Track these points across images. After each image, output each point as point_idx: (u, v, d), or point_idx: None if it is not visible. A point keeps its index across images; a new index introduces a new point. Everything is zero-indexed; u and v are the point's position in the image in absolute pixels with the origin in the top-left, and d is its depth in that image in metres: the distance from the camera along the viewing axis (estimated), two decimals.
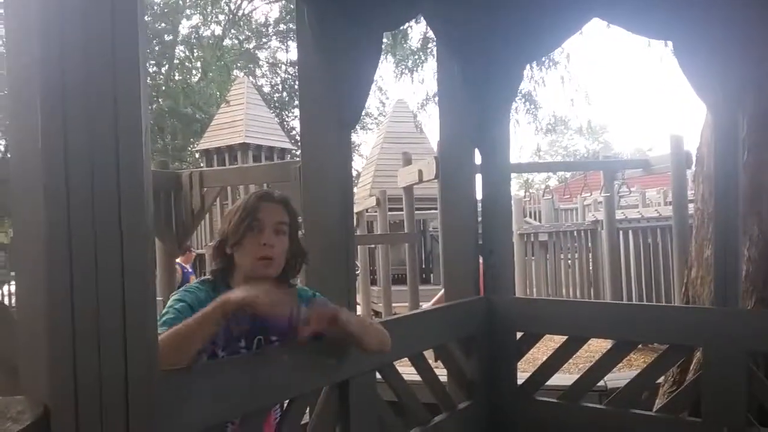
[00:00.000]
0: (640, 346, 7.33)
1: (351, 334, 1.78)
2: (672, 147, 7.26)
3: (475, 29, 2.87)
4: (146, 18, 19.30)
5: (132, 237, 1.27)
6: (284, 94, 24.70)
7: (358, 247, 12.75)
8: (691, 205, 5.88)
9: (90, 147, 1.24)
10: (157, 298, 5.40)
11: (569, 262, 10.41)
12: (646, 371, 2.64)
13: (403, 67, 9.95)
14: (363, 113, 27.01)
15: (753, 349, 2.40)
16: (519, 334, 2.89)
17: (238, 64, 21.74)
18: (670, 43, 2.77)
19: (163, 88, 21.03)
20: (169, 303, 1.76)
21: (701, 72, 2.56)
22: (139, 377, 1.27)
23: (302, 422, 1.97)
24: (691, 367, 3.28)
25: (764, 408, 2.41)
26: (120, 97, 1.26)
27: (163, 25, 21.77)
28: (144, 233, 1.30)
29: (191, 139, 21.42)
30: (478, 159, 3.14)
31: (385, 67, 19.11)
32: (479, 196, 3.13)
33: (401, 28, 8.51)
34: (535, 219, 15.90)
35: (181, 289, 1.87)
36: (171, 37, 22.24)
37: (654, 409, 2.69)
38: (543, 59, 9.14)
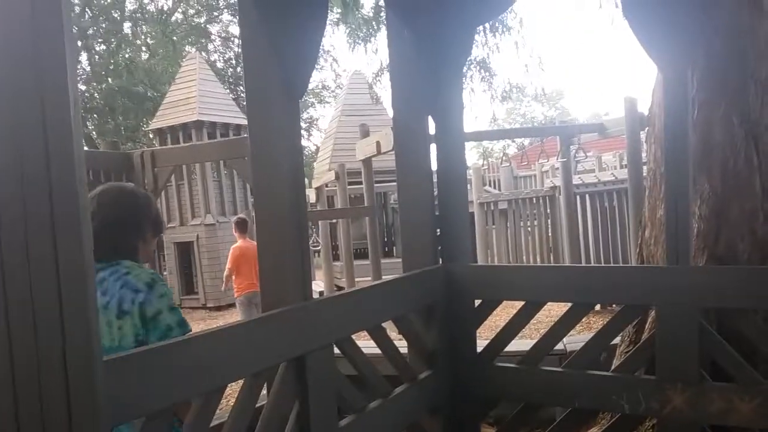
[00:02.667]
0: (598, 308, 7.55)
1: None
2: (626, 110, 7.36)
3: None
4: None
5: (66, 224, 1.20)
6: (238, 69, 24.22)
7: (319, 222, 12.70)
8: (645, 167, 5.97)
9: (14, 129, 1.16)
10: None
11: (529, 228, 10.55)
12: (602, 332, 2.67)
13: (356, 36, 9.80)
14: (320, 86, 26.65)
15: (705, 306, 2.44)
16: (478, 302, 2.89)
17: (189, 40, 21.22)
18: (620, 3, 2.78)
19: (112, 66, 20.39)
20: (170, 295, 2.13)
21: (651, 31, 2.56)
22: (80, 367, 1.22)
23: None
24: (647, 327, 3.35)
25: (716, 363, 2.47)
26: (44, 70, 1.18)
27: (108, 1, 21.03)
28: (78, 218, 1.23)
29: (144, 119, 20.88)
30: (433, 128, 3.10)
31: (339, 37, 18.86)
32: (435, 165, 3.10)
33: None
34: (494, 187, 16.04)
35: (160, 279, 2.17)
36: (118, 14, 21.52)
37: (611, 369, 2.73)
38: (496, 25, 9.11)
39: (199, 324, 11.39)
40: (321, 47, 2.27)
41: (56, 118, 1.21)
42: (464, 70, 9.29)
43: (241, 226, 8.16)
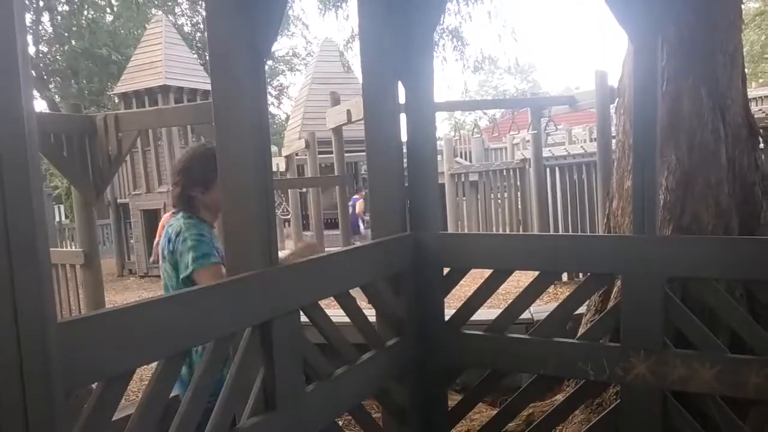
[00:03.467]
0: (565, 279, 7.65)
1: None
2: (596, 82, 7.38)
3: None
4: None
5: (14, 181, 1.14)
6: (206, 33, 23.67)
7: (289, 191, 12.57)
8: (614, 140, 6.01)
9: None
10: (78, 250, 5.13)
11: (499, 200, 10.61)
12: (569, 300, 2.69)
13: (327, 2, 9.62)
14: (290, 53, 26.22)
15: (670, 275, 2.47)
16: (446, 271, 2.89)
17: (156, 2, 20.63)
18: None
19: (74, 28, 19.74)
20: (192, 237, 2.46)
21: (623, 1, 2.54)
22: (33, 330, 1.17)
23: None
24: (612, 296, 3.39)
25: (680, 331, 2.51)
26: None
27: None
28: (27, 175, 1.17)
29: (108, 83, 20.33)
30: (402, 99, 3.05)
31: (310, 2, 18.52)
32: (404, 134, 3.05)
33: None
34: (465, 159, 16.07)
35: (188, 226, 2.51)
36: None
37: (576, 337, 2.76)
38: None
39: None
40: (290, 10, 2.19)
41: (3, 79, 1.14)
42: (436, 39, 9.20)
43: None
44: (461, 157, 16.24)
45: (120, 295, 11.32)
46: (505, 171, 10.37)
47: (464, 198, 11.11)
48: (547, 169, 8.85)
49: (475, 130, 16.01)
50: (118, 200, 15.19)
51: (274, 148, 14.66)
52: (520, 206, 10.07)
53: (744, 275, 2.45)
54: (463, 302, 2.90)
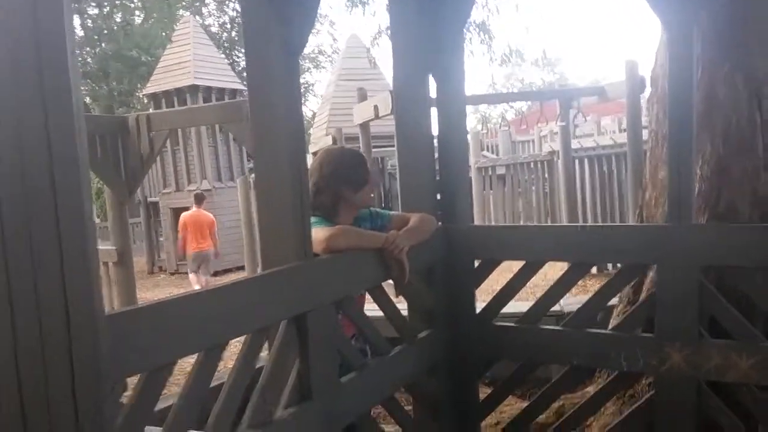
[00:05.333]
0: (594, 271, 7.57)
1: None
2: (627, 73, 7.27)
3: None
4: None
5: (65, 179, 1.18)
6: (233, 33, 23.88)
7: None
8: (644, 131, 5.93)
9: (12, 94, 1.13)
10: (111, 248, 5.26)
11: (527, 194, 10.53)
12: (601, 291, 2.68)
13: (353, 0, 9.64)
14: (316, 51, 26.28)
15: (705, 264, 2.44)
16: (477, 263, 2.89)
17: (183, 3, 20.87)
18: None
19: (105, 31, 20.07)
20: (314, 221, 2.29)
21: None
22: (83, 321, 1.21)
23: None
24: (644, 287, 3.36)
25: (715, 320, 2.48)
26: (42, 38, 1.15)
27: None
28: (78, 172, 1.21)
29: (138, 84, 20.64)
30: (433, 92, 3.06)
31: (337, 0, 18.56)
32: (435, 128, 3.06)
33: None
34: (492, 153, 15.98)
35: (312, 218, 2.32)
36: None
37: (609, 328, 2.75)
38: None
39: (197, 289, 11.44)
40: (319, 4, 2.22)
41: (55, 80, 1.18)
42: (464, 32, 9.14)
43: (199, 199, 9.92)
44: (488, 150, 16.16)
45: (150, 293, 11.51)
46: (532, 164, 10.29)
47: (491, 191, 11.05)
48: (576, 161, 8.76)
49: (502, 123, 15.90)
50: (148, 199, 15.43)
51: None
52: (548, 199, 9.99)
53: None
54: (493, 295, 2.90)
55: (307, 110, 27.73)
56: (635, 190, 6.42)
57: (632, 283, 3.48)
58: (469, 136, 11.73)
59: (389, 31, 3.27)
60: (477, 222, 10.88)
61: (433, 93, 3.05)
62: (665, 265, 2.46)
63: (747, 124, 3.23)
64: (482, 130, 16.75)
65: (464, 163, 3.11)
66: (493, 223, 10.91)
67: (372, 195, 2.67)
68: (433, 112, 3.06)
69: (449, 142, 3.01)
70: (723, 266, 2.50)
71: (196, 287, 9.38)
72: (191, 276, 9.97)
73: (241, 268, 11.11)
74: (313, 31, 2.33)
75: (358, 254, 2.30)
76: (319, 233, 2.22)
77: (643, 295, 3.16)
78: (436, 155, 3.04)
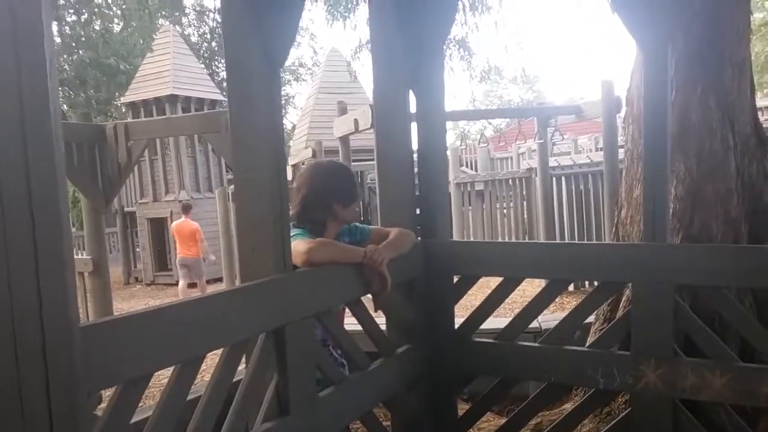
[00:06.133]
0: (572, 289, 7.64)
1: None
2: (603, 92, 7.38)
3: None
4: None
5: (42, 189, 1.17)
6: (213, 43, 23.82)
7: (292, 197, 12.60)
8: (621, 150, 6.02)
9: None
10: (86, 257, 5.16)
11: (505, 210, 10.61)
12: (578, 308, 2.70)
13: (335, 12, 9.69)
14: (297, 63, 26.30)
15: (680, 283, 2.47)
16: (456, 278, 2.90)
17: (163, 12, 20.74)
18: None
19: (83, 38, 19.88)
20: (296, 233, 2.33)
21: (633, 10, 2.56)
22: (57, 332, 1.19)
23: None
24: (621, 305, 3.39)
25: (689, 338, 2.51)
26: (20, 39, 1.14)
27: None
28: (55, 182, 1.20)
29: (116, 93, 20.44)
30: (413, 108, 3.08)
31: (317, 12, 18.63)
32: (414, 143, 3.07)
33: None
34: (471, 168, 16.08)
35: (295, 230, 2.37)
36: None
37: (586, 345, 2.77)
38: (476, 4, 9.08)
39: (173, 300, 11.30)
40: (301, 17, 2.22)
41: (33, 89, 1.17)
42: (444, 48, 9.22)
43: (185, 208, 10.56)
44: (467, 166, 16.26)
45: (126, 303, 11.35)
46: (511, 180, 10.37)
47: (470, 207, 11.11)
48: (554, 179, 8.84)
49: (481, 139, 16.03)
50: (125, 208, 15.26)
51: None
52: (526, 215, 10.06)
53: (753, 284, 2.46)
54: (472, 310, 2.91)
55: (286, 122, 27.69)
56: (611, 208, 6.50)
57: (609, 301, 3.52)
58: (448, 152, 11.82)
59: (369, 45, 3.28)
60: (456, 237, 10.92)
61: (413, 108, 3.07)
62: (640, 283, 2.49)
63: (720, 146, 3.30)
64: (461, 145, 16.86)
65: (443, 178, 3.13)
66: (472, 239, 10.96)
67: (357, 210, 2.67)
68: (413, 126, 3.08)
69: (428, 158, 3.03)
70: (697, 286, 2.54)
71: (182, 295, 9.68)
72: (180, 283, 10.35)
73: (220, 279, 11.02)
74: (293, 43, 2.33)
75: (337, 268, 2.30)
76: (299, 246, 2.21)
77: (619, 313, 3.19)
78: (416, 170, 3.06)
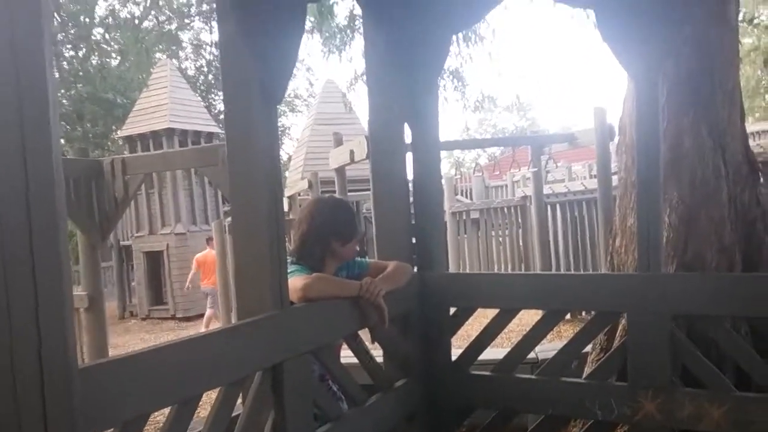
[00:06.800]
0: (568, 317, 7.62)
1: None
2: (596, 120, 7.47)
3: (401, 1, 2.84)
4: (60, 0, 18.30)
5: (43, 232, 1.18)
6: (210, 76, 24.05)
7: (292, 231, 12.62)
8: (614, 177, 6.06)
9: None
10: (82, 293, 5.13)
11: (500, 238, 10.62)
12: (575, 339, 2.70)
13: (331, 45, 9.81)
14: (292, 95, 26.54)
15: (675, 312, 2.48)
16: (453, 310, 2.90)
17: (160, 46, 21.01)
18: (592, 14, 2.82)
19: (81, 72, 20.07)
20: (294, 269, 2.35)
21: (623, 40, 2.60)
22: (57, 375, 1.20)
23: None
24: (617, 335, 3.39)
25: (687, 368, 2.51)
26: (23, 77, 1.16)
27: (78, 6, 20.71)
28: (56, 226, 1.21)
29: (113, 126, 20.56)
30: (408, 138, 3.11)
31: (313, 45, 18.84)
32: (410, 174, 3.10)
33: (328, 3, 8.37)
34: (466, 197, 16.13)
35: (293, 267, 2.38)
36: (87, 19, 21.20)
37: (583, 377, 2.76)
38: (470, 35, 9.21)
39: (168, 335, 11.22)
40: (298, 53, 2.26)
41: (35, 124, 1.19)
42: (438, 80, 9.34)
43: (210, 240, 10.43)
44: (462, 195, 16.32)
45: (120, 338, 11.26)
46: (506, 209, 10.41)
47: (465, 236, 11.12)
48: (548, 206, 8.89)
49: (476, 168, 16.13)
50: (121, 242, 15.22)
51: None
52: (521, 244, 10.08)
53: (749, 312, 2.47)
54: (469, 342, 2.91)
55: (282, 153, 27.85)
56: (606, 236, 6.52)
57: (605, 331, 3.51)
58: (443, 181, 11.88)
59: (365, 78, 3.32)
60: (452, 266, 10.92)
61: (408, 138, 3.10)
62: (636, 313, 2.50)
63: (712, 173, 3.33)
64: (456, 174, 16.94)
65: (439, 208, 3.15)
66: (468, 268, 10.96)
67: (357, 248, 2.69)
68: (409, 157, 3.11)
69: (424, 188, 3.05)
70: (692, 315, 2.54)
71: (212, 323, 10.00)
72: (208, 311, 10.57)
73: None
74: (291, 77, 2.37)
75: (334, 302, 2.30)
76: (296, 282, 2.22)
77: (616, 343, 3.19)
78: (411, 200, 3.08)
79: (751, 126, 12.93)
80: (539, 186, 8.63)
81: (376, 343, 2.74)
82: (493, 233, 10.66)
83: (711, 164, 3.37)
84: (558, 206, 8.97)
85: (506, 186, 16.04)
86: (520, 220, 10.14)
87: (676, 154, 3.40)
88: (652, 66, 2.56)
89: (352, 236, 2.55)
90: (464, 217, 11.13)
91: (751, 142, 7.47)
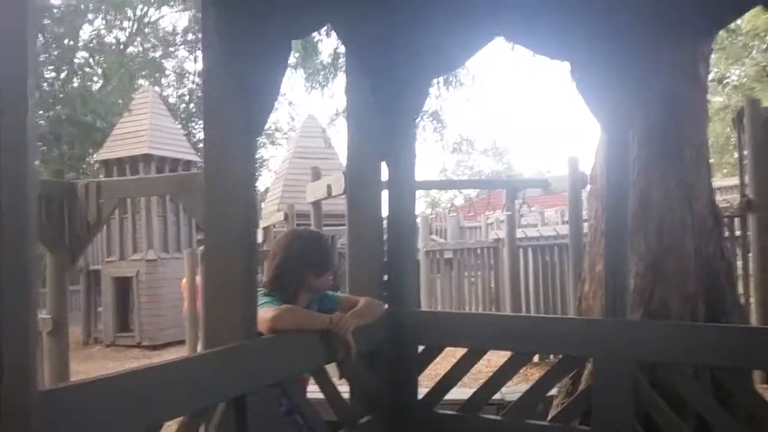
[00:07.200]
0: (537, 360, 7.65)
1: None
2: (569, 168, 7.64)
3: (384, 43, 2.91)
4: (45, 21, 18.29)
5: (12, 251, 1.19)
6: (191, 105, 24.06)
7: (265, 263, 12.54)
8: (586, 224, 6.17)
9: None
10: (47, 316, 5.04)
11: (473, 279, 10.67)
12: (541, 382, 2.72)
13: (314, 81, 9.95)
14: (273, 128, 26.62)
15: (640, 359, 2.52)
16: (421, 348, 2.91)
17: (143, 73, 21.01)
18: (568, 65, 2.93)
19: (61, 94, 19.95)
20: (265, 301, 2.33)
21: (595, 90, 2.69)
22: (16, 396, 1.18)
23: None
24: (582, 379, 3.42)
25: (650, 416, 2.54)
26: (3, 96, 1.18)
27: (63, 29, 20.69)
28: (25, 246, 1.22)
29: (90, 149, 20.38)
30: (385, 175, 3.16)
31: (296, 80, 19.02)
32: (385, 212, 3.14)
33: (313, 40, 8.52)
34: (441, 237, 16.22)
35: (264, 299, 2.36)
36: (71, 42, 21.17)
37: (547, 419, 2.78)
38: (450, 79, 9.41)
39: (132, 363, 10.98)
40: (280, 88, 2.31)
41: (12, 144, 1.20)
42: (417, 121, 9.51)
43: None
44: (436, 234, 16.41)
45: (82, 365, 10.97)
46: (479, 250, 10.49)
47: (439, 275, 11.16)
48: (521, 249, 8.98)
49: (451, 208, 16.27)
50: (90, 266, 14.96)
51: None
52: (493, 285, 10.14)
53: (709, 361, 2.51)
54: (436, 381, 2.91)
55: (260, 185, 27.80)
56: (576, 282, 6.61)
57: (571, 375, 3.54)
58: (418, 220, 11.96)
59: (346, 115, 3.38)
60: (424, 304, 10.91)
61: (385, 176, 3.15)
62: (601, 358, 2.53)
63: (678, 225, 3.43)
64: (431, 214, 17.07)
65: (412, 246, 3.18)
66: (440, 306, 10.96)
67: (331, 279, 2.70)
68: (385, 194, 3.15)
69: (398, 226, 3.08)
70: (656, 362, 2.58)
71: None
72: None
73: (183, 341, 10.78)
74: (273, 111, 2.42)
75: (302, 335, 2.30)
76: (265, 313, 2.22)
77: (581, 387, 3.22)
78: (386, 237, 3.11)
79: (719, 181, 13.27)
80: (512, 229, 8.74)
81: (343, 379, 2.73)
82: (466, 274, 10.72)
83: (678, 216, 3.48)
84: (530, 250, 9.06)
85: (480, 227, 16.18)
86: (492, 261, 10.22)
87: (645, 204, 3.50)
88: (622, 118, 2.64)
89: (325, 269, 2.57)
90: (438, 257, 11.18)
91: (719, 197, 7.69)
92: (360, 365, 2.66)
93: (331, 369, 2.50)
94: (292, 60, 10.14)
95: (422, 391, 2.92)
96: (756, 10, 3.98)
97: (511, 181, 9.98)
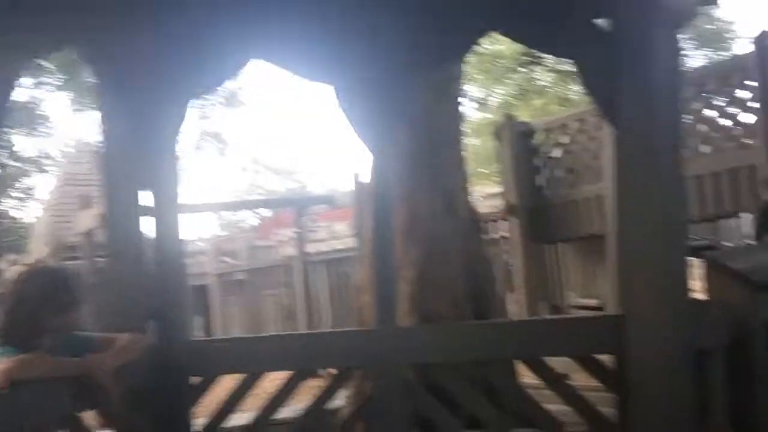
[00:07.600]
0: (323, 372, 7.72)
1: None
2: (355, 183, 7.90)
3: (138, 65, 2.73)
4: None
5: None
6: None
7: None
8: None
9: None
10: None
11: (268, 298, 10.56)
12: (320, 397, 2.71)
13: (82, 101, 9.18)
14: (43, 154, 24.04)
15: (410, 362, 2.62)
16: (194, 380, 2.75)
17: None
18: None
19: None
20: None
21: (357, 111, 2.77)
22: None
23: None
24: (364, 388, 3.49)
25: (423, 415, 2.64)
26: None
27: None
28: None
29: None
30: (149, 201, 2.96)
31: (66, 103, 17.44)
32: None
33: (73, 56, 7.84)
34: (233, 258, 15.85)
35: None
36: None
37: None
38: (232, 100, 9.25)
39: None
40: (41, 110, 2.04)
41: None
42: (199, 142, 9.24)
43: None
44: (228, 256, 15.99)
45: None
46: (272, 268, 10.41)
47: (232, 296, 10.87)
48: (313, 265, 9.07)
49: (244, 229, 16.01)
50: None
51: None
52: (288, 303, 10.11)
53: (472, 357, 2.68)
54: (215, 412, 2.76)
55: (26, 216, 24.97)
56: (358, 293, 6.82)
57: (356, 385, 3.60)
58: (208, 243, 11.56)
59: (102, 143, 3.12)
60: (218, 328, 10.55)
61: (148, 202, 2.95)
62: (374, 367, 2.59)
63: (444, 234, 3.67)
64: (221, 236, 16.62)
65: (182, 273, 3.01)
66: (236, 329, 10.67)
67: (76, 318, 2.41)
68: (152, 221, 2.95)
69: (164, 251, 2.89)
70: (427, 364, 2.70)
71: None
72: None
73: None
74: (38, 133, 2.13)
75: (45, 385, 2.03)
76: (2, 365, 1.92)
77: (360, 396, 3.28)
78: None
79: (487, 189, 14.55)
80: (302, 246, 8.78)
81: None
82: (261, 293, 10.57)
83: (443, 225, 3.71)
84: (325, 264, 9.20)
85: (273, 246, 16.08)
86: (286, 279, 10.19)
87: (414, 216, 3.69)
88: (383, 135, 2.75)
89: (66, 306, 2.29)
90: (230, 278, 10.89)
91: (488, 203, 8.42)
92: (123, 408, 2.42)
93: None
94: (58, 81, 9.25)
95: (201, 423, 2.75)
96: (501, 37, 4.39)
97: (297, 199, 10.04)
